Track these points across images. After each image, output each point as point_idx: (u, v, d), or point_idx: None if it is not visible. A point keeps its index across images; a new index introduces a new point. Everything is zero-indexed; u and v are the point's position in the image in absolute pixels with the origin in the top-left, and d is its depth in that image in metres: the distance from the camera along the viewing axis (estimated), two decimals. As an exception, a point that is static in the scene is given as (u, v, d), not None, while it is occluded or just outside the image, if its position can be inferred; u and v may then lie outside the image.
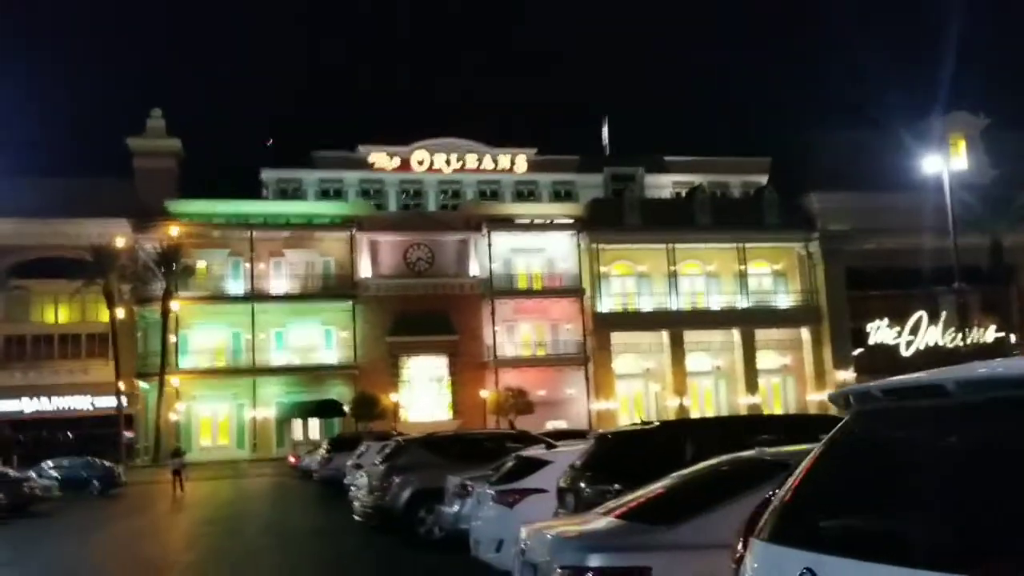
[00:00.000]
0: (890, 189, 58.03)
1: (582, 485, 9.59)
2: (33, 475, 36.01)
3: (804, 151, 62.82)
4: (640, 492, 7.17)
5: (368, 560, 15.52)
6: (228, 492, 34.52)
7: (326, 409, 59.00)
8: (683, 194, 68.10)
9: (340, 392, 59.93)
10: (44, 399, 62.37)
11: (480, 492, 12.23)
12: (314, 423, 60.60)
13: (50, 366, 63.84)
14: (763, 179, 68.79)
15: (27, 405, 62.38)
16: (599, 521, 6.90)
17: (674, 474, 7.26)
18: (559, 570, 6.11)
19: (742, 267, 63.03)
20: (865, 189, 59.07)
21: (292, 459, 49.10)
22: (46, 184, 60.78)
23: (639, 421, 13.88)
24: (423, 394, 61.72)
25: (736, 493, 5.93)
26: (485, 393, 59.69)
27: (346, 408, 58.35)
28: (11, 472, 31.79)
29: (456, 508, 14.39)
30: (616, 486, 9.13)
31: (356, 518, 18.88)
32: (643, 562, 5.93)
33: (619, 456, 9.77)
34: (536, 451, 12.94)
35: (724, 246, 62.43)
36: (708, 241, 62.07)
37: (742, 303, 62.79)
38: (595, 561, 5.99)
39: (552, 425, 49.91)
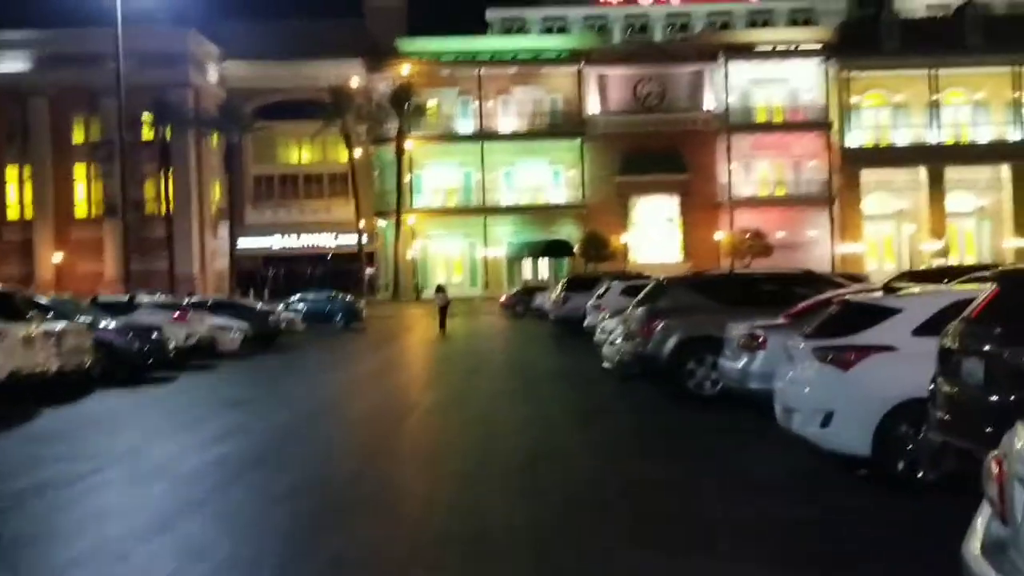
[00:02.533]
0: None
1: (989, 347, 6.28)
2: (280, 307, 36.44)
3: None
4: None
5: (638, 414, 12.94)
6: (465, 329, 33.36)
7: (556, 249, 57.22)
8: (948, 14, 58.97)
9: (569, 232, 57.81)
10: (292, 236, 64.27)
11: (794, 347, 9.14)
12: (543, 263, 59.11)
13: (296, 204, 65.63)
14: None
15: (276, 242, 64.59)
16: None
17: None
18: None
19: (1017, 94, 54.54)
20: None
21: (503, 299, 47.68)
22: (281, 26, 60.78)
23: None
24: (653, 235, 58.59)
25: None
26: (719, 235, 55.74)
27: (575, 248, 56.27)
28: (259, 305, 31.83)
29: (743, 362, 11.41)
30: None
31: (605, 365, 16.32)
32: None
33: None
34: (870, 295, 9.59)
35: (997, 70, 54.10)
36: (978, 65, 53.84)
37: (1015, 135, 54.59)
38: None
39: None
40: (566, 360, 21.06)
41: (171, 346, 19.91)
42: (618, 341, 15.79)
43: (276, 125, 63.06)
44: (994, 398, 6.19)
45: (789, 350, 9.29)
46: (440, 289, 36.69)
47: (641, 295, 15.46)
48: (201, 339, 22.69)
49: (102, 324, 18.36)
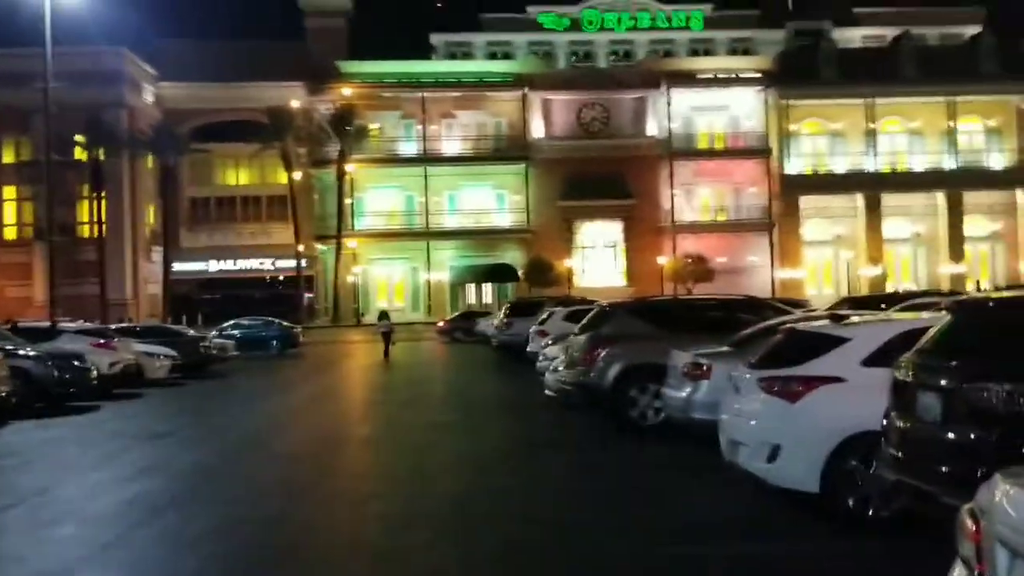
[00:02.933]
0: None
1: (946, 381, 5.95)
2: (213, 333, 35.42)
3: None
4: None
5: (577, 447, 12.49)
6: (405, 355, 32.62)
7: (499, 273, 56.85)
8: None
9: (513, 257, 57.51)
10: (229, 260, 62.96)
11: (739, 377, 8.79)
12: (487, 288, 58.69)
13: (233, 228, 64.33)
14: (974, 31, 59.80)
15: (212, 266, 63.20)
16: None
17: None
18: None
19: (951, 123, 55.77)
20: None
21: (440, 323, 47.27)
22: (221, 47, 59.81)
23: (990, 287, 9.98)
24: (597, 260, 58.56)
25: None
26: (662, 259, 55.89)
27: (519, 273, 55.96)
28: (190, 331, 30.86)
29: (687, 391, 11.05)
30: (1007, 387, 5.52)
31: (548, 392, 15.87)
32: None
33: (999, 334, 6.04)
34: (817, 323, 9.30)
35: (931, 100, 55.20)
36: (913, 95, 54.92)
37: (949, 163, 55.79)
38: None
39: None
40: (507, 388, 20.59)
41: (94, 374, 19.03)
42: (560, 368, 15.39)
43: (214, 147, 61.98)
44: (952, 436, 5.86)
45: (734, 380, 8.94)
46: (384, 315, 35.89)
47: (584, 321, 15.09)
48: (127, 367, 21.79)
49: (21, 351, 17.47)
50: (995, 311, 6.16)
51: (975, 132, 56.80)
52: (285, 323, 40.02)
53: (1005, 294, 6.94)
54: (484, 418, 15.63)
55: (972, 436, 5.74)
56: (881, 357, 7.80)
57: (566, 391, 14.61)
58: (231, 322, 39.58)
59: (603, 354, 13.48)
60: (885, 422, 6.61)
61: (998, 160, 56.43)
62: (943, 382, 5.94)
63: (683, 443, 11.27)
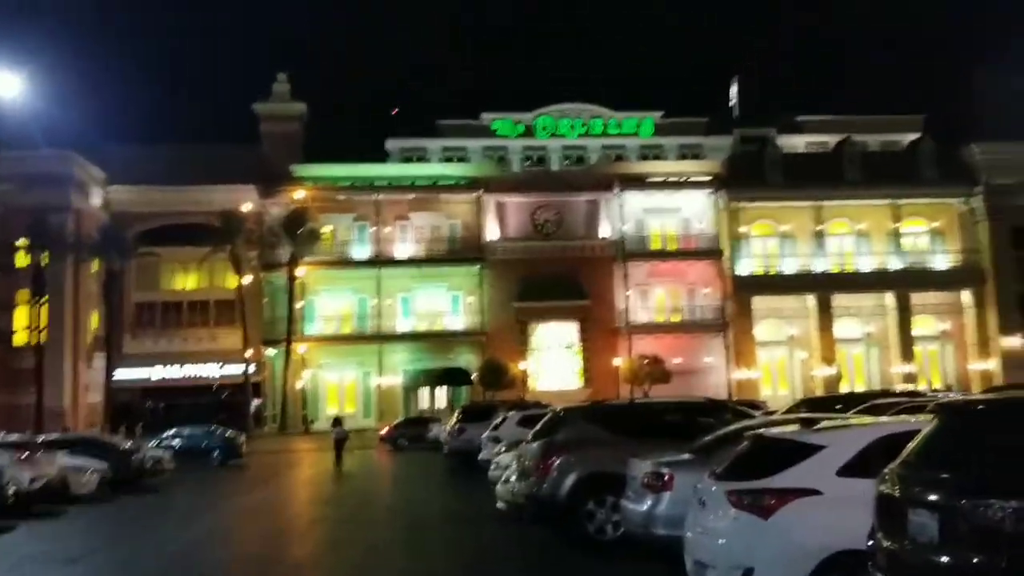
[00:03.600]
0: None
1: (939, 497, 5.19)
2: (151, 444, 33.85)
3: (964, 100, 56.04)
4: None
5: (528, 568, 11.46)
6: (353, 465, 31.23)
7: (453, 377, 55.75)
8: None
9: (467, 360, 56.56)
10: (174, 366, 61.14)
11: (704, 490, 7.98)
12: (441, 391, 57.47)
13: (179, 333, 62.63)
14: (913, 138, 61.34)
15: (157, 373, 61.25)
16: None
17: None
18: None
19: (895, 225, 56.65)
20: (1034, 139, 51.98)
21: (383, 432, 45.95)
22: (175, 151, 59.31)
23: (936, 388, 9.34)
24: (552, 362, 57.78)
25: None
26: (618, 361, 55.32)
27: (473, 376, 54.94)
28: (123, 442, 29.30)
29: (648, 504, 10.17)
30: (1013, 503, 4.77)
31: (499, 505, 14.84)
32: None
33: (994, 442, 5.32)
34: (785, 429, 8.56)
35: (876, 203, 56.17)
36: (858, 198, 55.86)
37: (895, 264, 56.43)
38: None
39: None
40: (457, 500, 19.47)
41: (11, 491, 17.65)
42: (512, 479, 14.43)
43: (162, 251, 60.72)
44: (951, 560, 5.08)
45: (699, 493, 8.12)
46: (337, 422, 34.53)
47: (537, 428, 14.20)
48: (50, 482, 20.33)
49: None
50: (986, 415, 5.46)
51: (919, 234, 57.73)
52: (228, 432, 38.39)
53: (992, 396, 6.26)
54: (429, 535, 14.52)
55: (976, 561, 4.97)
56: (858, 466, 7.11)
57: (518, 504, 13.62)
58: (171, 431, 38.02)
59: (557, 463, 12.60)
60: (871, 542, 5.83)
61: (942, 261, 57.26)
62: (937, 498, 5.19)
63: (646, 561, 10.35)
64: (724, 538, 7.47)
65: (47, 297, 54.85)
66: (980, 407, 5.64)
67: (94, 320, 60.95)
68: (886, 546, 5.56)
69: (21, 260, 55.95)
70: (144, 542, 14.96)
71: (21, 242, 55.22)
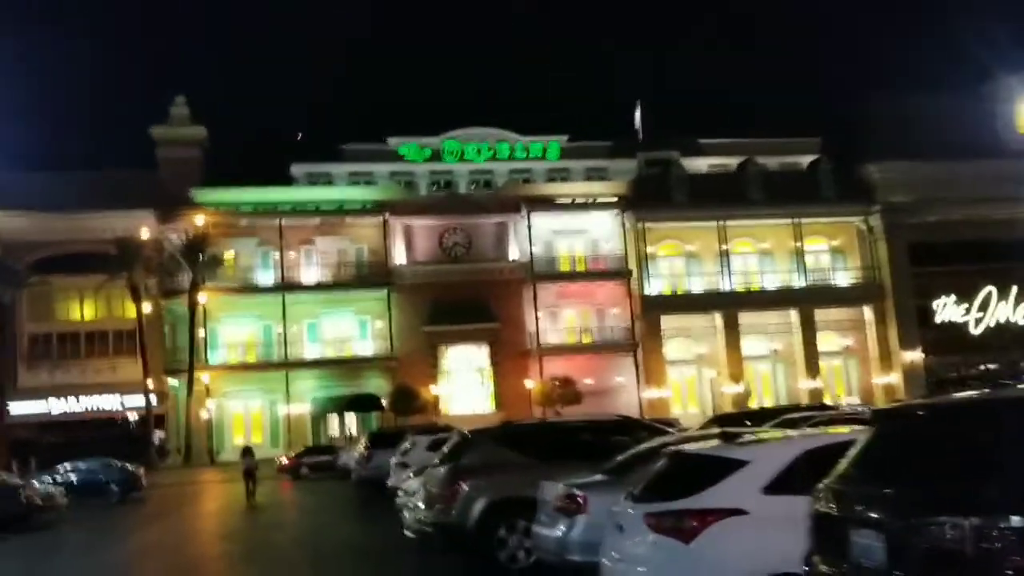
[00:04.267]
0: (954, 157, 52.91)
1: (886, 515, 4.64)
2: (38, 481, 31.86)
3: (859, 120, 57.48)
4: None
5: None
6: (259, 496, 29.81)
7: (363, 403, 54.39)
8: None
9: (378, 385, 55.30)
10: (72, 399, 58.36)
11: (621, 513, 7.38)
12: (351, 418, 56.02)
13: (77, 365, 59.86)
14: (810, 159, 62.75)
15: (55, 406, 58.41)
16: None
17: None
18: None
19: (798, 244, 57.71)
20: (927, 158, 53.65)
21: (284, 460, 44.58)
22: (68, 177, 56.86)
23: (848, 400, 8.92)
24: (464, 386, 56.96)
25: None
26: (530, 383, 54.85)
27: (384, 402, 53.73)
28: (9, 479, 27.36)
29: (561, 529, 9.52)
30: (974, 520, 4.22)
31: (408, 534, 14.00)
32: None
33: (943, 451, 4.80)
34: (704, 444, 8.01)
35: (778, 222, 57.16)
36: (761, 217, 56.73)
37: (799, 282, 57.47)
38: None
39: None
40: (364, 530, 18.51)
41: None
42: (420, 505, 13.62)
43: (55, 279, 58.00)
44: (904, 586, 4.52)
45: (615, 517, 7.51)
46: (247, 452, 31.95)
47: (442, 451, 13.44)
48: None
49: None
50: (930, 422, 4.95)
51: (820, 252, 58.94)
52: (128, 465, 36.42)
53: (934, 399, 5.78)
54: (332, 568, 13.58)
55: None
56: (785, 482, 6.60)
57: (426, 532, 12.82)
58: (66, 465, 35.90)
59: (465, 489, 11.86)
60: (807, 568, 5.27)
61: (844, 278, 58.56)
62: (883, 516, 4.64)
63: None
64: (643, 565, 6.87)
65: (-70, 330, 51.97)
66: (918, 412, 5.15)
67: (-17, 353, 57.78)
68: (825, 571, 5.00)
69: (-98, 292, 52.91)
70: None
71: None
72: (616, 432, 12.75)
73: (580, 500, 9.36)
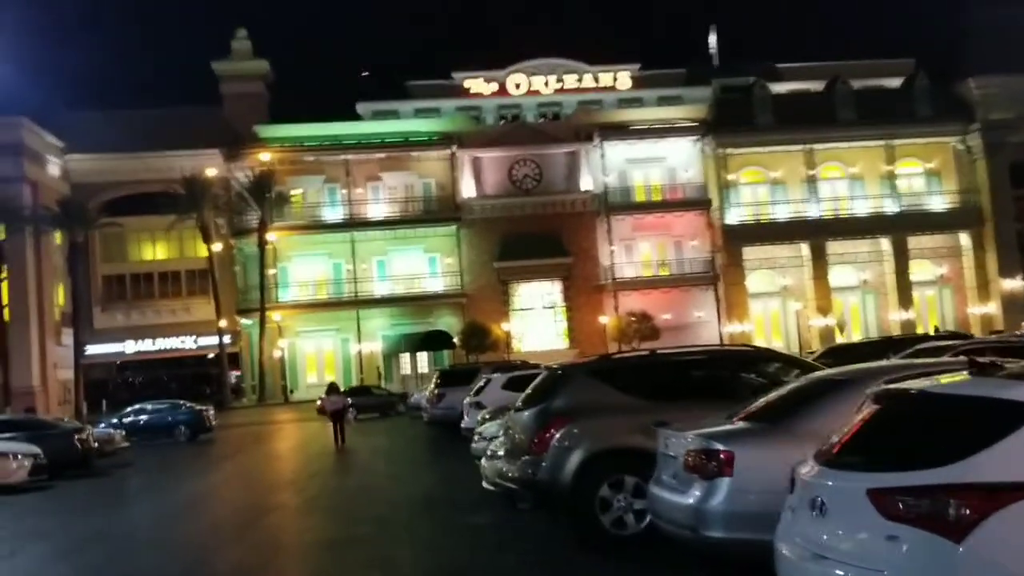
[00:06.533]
0: (1063, 68, 47.90)
1: None
2: (106, 423, 30.84)
3: (959, 35, 52.53)
4: None
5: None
6: (324, 437, 27.96)
7: (434, 341, 52.46)
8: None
9: (448, 323, 53.29)
10: (146, 340, 57.96)
11: (818, 483, 4.74)
12: (422, 356, 54.19)
13: (150, 306, 59.49)
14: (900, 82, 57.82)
15: (130, 347, 58.10)
16: None
17: None
18: None
19: (890, 167, 53.54)
20: (1033, 71, 48.78)
21: (318, 402, 40.70)
22: (133, 117, 55.61)
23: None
24: (536, 322, 54.63)
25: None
26: (605, 319, 52.21)
27: (455, 339, 51.70)
28: (64, 422, 25.97)
29: (695, 496, 6.88)
30: None
31: (486, 486, 11.55)
32: None
33: None
34: (944, 381, 5.20)
35: (869, 144, 52.99)
36: (851, 139, 52.67)
37: (891, 208, 53.43)
38: None
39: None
40: (437, 479, 16.23)
41: None
42: (499, 453, 11.16)
43: (127, 221, 57.28)
44: None
45: (810, 489, 4.87)
46: (332, 389, 27.82)
47: (528, 391, 10.89)
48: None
49: None
50: None
51: (914, 175, 54.68)
52: (196, 406, 35.07)
53: None
54: (398, 528, 11.27)
55: None
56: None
57: (509, 489, 10.36)
58: (134, 407, 34.77)
59: (557, 438, 9.33)
60: None
61: (939, 202, 54.27)
62: None
63: (686, 564, 7.21)
64: (868, 567, 4.23)
65: (7, 272, 51.45)
66: None
67: (60, 295, 57.45)
68: None
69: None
70: (58, 546, 11.64)
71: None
72: (746, 367, 10.06)
73: (723, 457, 6.71)
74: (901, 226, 52.62)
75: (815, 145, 52.28)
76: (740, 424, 7.24)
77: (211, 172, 53.88)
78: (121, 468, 23.07)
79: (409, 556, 9.58)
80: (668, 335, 49.21)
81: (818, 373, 7.98)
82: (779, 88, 61.77)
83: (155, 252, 61.14)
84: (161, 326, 57.83)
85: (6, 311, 51.00)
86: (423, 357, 54.08)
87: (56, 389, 54.96)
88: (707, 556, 7.02)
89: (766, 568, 6.88)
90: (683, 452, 7.15)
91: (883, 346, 18.81)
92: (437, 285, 54.65)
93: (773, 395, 7.67)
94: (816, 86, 58.24)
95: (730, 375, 9.77)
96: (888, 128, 52.07)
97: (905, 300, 52.20)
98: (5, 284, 51.60)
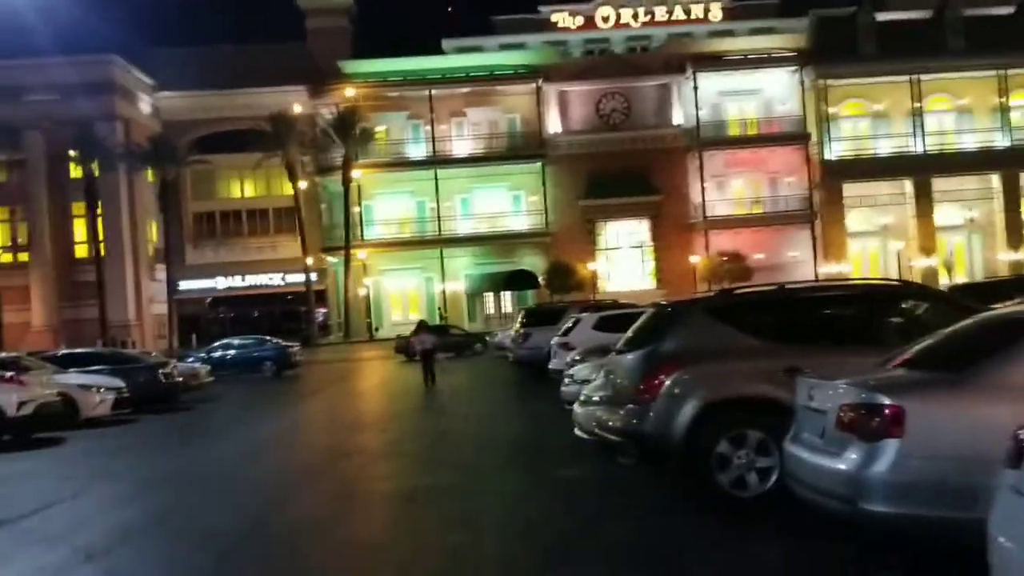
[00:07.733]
0: None
1: None
2: (195, 358, 30.83)
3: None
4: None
5: (630, 544, 7.00)
6: (408, 376, 27.16)
7: (518, 280, 51.35)
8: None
9: (532, 262, 52.04)
10: (236, 277, 58.38)
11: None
12: (506, 296, 53.21)
13: (239, 243, 59.97)
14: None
15: (220, 283, 58.67)
16: None
17: None
18: None
19: (1002, 99, 49.84)
20: None
21: (401, 340, 37.85)
22: (220, 53, 55.38)
23: None
24: (623, 262, 53.03)
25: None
26: (694, 259, 50.29)
27: (540, 279, 50.50)
28: (150, 356, 25.78)
29: (852, 460, 5.50)
30: None
31: (579, 434, 10.31)
32: None
33: None
34: None
35: (980, 74, 49.34)
36: (960, 69, 49.07)
37: (1002, 142, 49.84)
38: None
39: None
40: (524, 423, 15.12)
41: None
42: (596, 399, 9.90)
43: (215, 158, 57.55)
44: None
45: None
46: (422, 327, 26.68)
47: (632, 330, 9.55)
48: (48, 405, 16.54)
49: None
50: None
51: (1028, 107, 50.79)
52: (282, 342, 34.83)
53: None
54: (484, 480, 10.19)
55: None
56: None
57: (608, 440, 9.11)
58: (221, 342, 34.82)
59: (668, 385, 8.02)
60: None
61: (1055, 136, 50.36)
62: None
63: (826, 533, 5.93)
64: None
65: (102, 209, 52.24)
66: None
67: (153, 231, 58.29)
68: None
69: (74, 172, 53.24)
70: (119, 487, 10.94)
71: (71, 153, 52.45)
72: (891, 305, 8.54)
73: (890, 413, 5.31)
74: (1013, 161, 49.05)
75: (922, 76, 48.83)
76: (909, 373, 5.82)
77: (296, 109, 53.33)
78: (204, 403, 22.72)
79: (498, 517, 8.45)
80: (760, 275, 46.98)
81: (1004, 310, 6.46)
82: (883, 16, 57.91)
83: (243, 190, 61.42)
84: (250, 263, 58.17)
85: (102, 247, 51.74)
86: (507, 297, 53.13)
87: (151, 324, 55.94)
88: (863, 532, 5.67)
89: (940, 550, 5.56)
90: (835, 406, 5.78)
91: (1014, 285, 16.90)
92: (521, 224, 53.37)
93: (939, 338, 6.21)
94: (923, 15, 54.17)
95: (874, 314, 8.26)
96: (1000, 58, 48.21)
97: (1015, 240, 48.88)
98: (100, 221, 52.31)
